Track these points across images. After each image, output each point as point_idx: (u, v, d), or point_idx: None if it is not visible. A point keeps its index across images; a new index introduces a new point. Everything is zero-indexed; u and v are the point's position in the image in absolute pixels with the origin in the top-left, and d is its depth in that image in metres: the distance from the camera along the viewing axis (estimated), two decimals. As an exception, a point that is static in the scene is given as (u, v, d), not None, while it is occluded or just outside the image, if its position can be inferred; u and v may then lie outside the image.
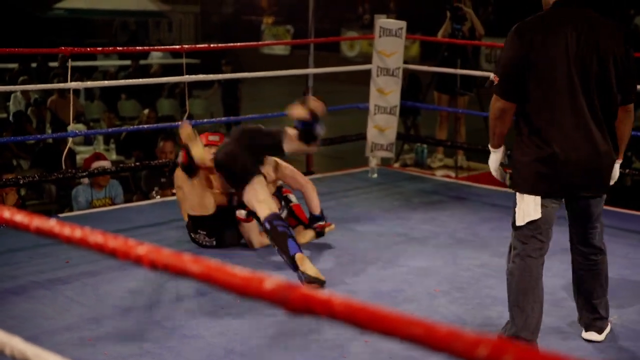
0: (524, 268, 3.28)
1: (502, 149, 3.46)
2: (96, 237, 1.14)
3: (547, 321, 3.55)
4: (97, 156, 6.75)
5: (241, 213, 4.61)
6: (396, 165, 8.06)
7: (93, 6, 22.06)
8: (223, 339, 3.51)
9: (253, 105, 14.73)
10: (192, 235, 4.84)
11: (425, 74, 8.56)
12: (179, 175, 4.80)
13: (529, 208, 3.27)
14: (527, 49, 3.19)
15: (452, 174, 7.78)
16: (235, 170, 4.44)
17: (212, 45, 6.82)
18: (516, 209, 3.31)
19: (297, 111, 4.42)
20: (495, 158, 3.49)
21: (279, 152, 4.57)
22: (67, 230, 1.18)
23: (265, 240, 4.60)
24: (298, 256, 4.06)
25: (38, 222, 1.21)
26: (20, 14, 24.30)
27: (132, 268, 4.32)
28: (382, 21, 6.64)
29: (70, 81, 5.69)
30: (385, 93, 6.70)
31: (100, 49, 6.17)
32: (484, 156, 8.11)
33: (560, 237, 3.69)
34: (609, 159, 3.30)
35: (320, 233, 4.87)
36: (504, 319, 3.78)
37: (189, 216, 4.80)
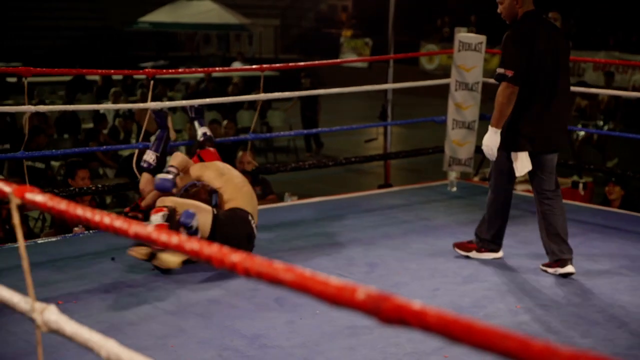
0: (507, 196, 4.71)
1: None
2: (192, 244, 1.17)
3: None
4: None
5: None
6: (476, 178, 7.96)
7: (176, 20, 22.67)
8: (303, 350, 3.53)
9: (331, 119, 14.81)
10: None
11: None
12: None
13: (526, 162, 4.47)
14: (531, 49, 4.34)
15: (533, 189, 7.63)
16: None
17: (290, 65, 6.94)
18: (514, 164, 4.48)
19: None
20: (497, 138, 4.45)
21: None
22: (164, 237, 1.21)
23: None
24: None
25: (136, 228, 1.25)
26: (108, 28, 25.14)
27: (215, 277, 4.40)
28: (462, 35, 6.60)
29: (152, 96, 5.89)
30: (463, 108, 6.64)
31: (181, 70, 6.44)
32: (567, 170, 7.89)
33: None
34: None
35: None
36: (589, 338, 3.70)
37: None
